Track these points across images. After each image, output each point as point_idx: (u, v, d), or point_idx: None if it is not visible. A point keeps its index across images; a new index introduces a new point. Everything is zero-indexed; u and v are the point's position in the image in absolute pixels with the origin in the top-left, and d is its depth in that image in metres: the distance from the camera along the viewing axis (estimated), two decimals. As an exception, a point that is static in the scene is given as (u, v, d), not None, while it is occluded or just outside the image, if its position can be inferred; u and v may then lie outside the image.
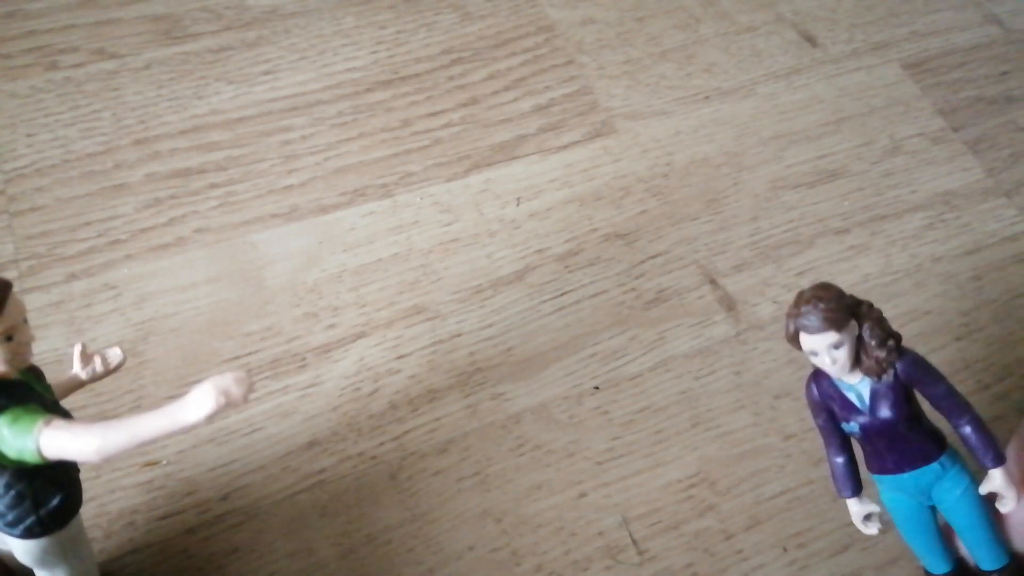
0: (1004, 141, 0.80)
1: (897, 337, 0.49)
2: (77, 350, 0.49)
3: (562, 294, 0.69)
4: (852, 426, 0.50)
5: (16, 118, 0.75)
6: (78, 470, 0.47)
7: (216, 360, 0.64)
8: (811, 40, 0.86)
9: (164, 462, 0.60)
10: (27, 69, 0.78)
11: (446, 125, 0.77)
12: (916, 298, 0.70)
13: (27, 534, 0.45)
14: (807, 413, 0.64)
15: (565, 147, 0.77)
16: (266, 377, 0.63)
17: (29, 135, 0.74)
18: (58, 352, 0.63)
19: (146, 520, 0.58)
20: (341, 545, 0.58)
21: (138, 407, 0.61)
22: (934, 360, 0.50)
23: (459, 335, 0.66)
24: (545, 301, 0.68)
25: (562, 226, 0.72)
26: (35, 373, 0.46)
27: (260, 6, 0.84)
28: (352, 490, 0.60)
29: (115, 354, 0.50)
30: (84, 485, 0.48)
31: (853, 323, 0.48)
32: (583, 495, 0.60)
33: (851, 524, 0.60)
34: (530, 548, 0.58)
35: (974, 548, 0.51)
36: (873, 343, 0.48)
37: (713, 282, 0.70)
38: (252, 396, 0.62)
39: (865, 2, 0.89)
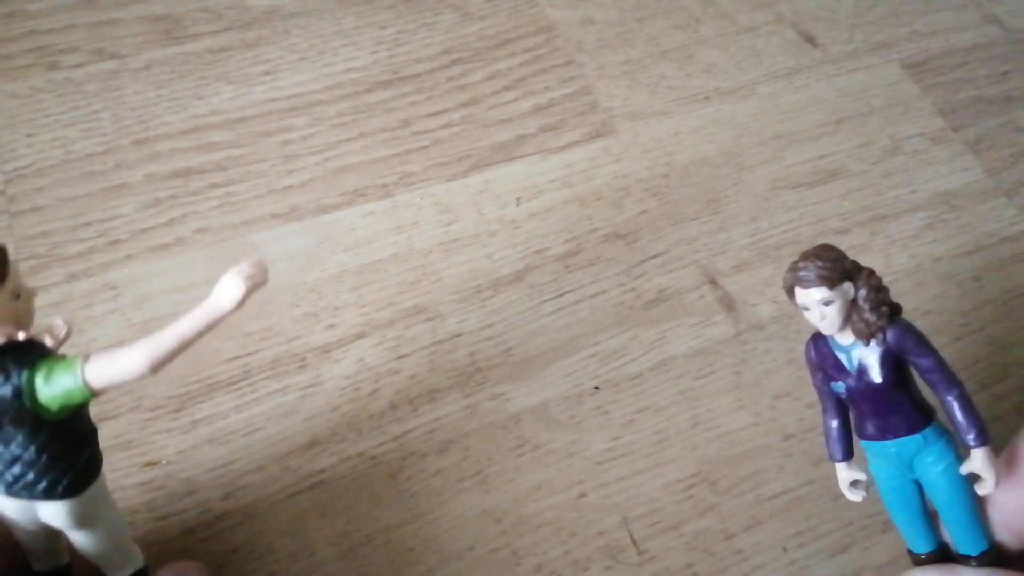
0: (1004, 141, 0.80)
1: (894, 307, 0.50)
2: (20, 336, 0.49)
3: (562, 294, 0.69)
4: (839, 386, 0.51)
5: (16, 118, 0.75)
6: (94, 427, 0.47)
7: (216, 360, 0.64)
8: (811, 40, 0.86)
9: (164, 462, 0.60)
10: (27, 69, 0.78)
11: (446, 125, 0.77)
12: (916, 298, 0.70)
13: (67, 493, 0.45)
14: (807, 413, 0.64)
15: (565, 147, 0.77)
16: (266, 377, 0.63)
17: (29, 135, 0.74)
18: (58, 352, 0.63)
19: (146, 520, 0.58)
20: (341, 545, 0.58)
21: (138, 407, 0.61)
22: (934, 360, 0.50)
23: (459, 335, 0.66)
24: (545, 301, 0.68)
25: (562, 226, 0.72)
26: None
27: (260, 6, 0.84)
28: (352, 490, 0.60)
29: (58, 325, 0.49)
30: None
31: (848, 285, 0.49)
32: (583, 495, 0.60)
33: (851, 524, 0.60)
34: (530, 548, 0.58)
35: (953, 529, 0.51)
36: (866, 307, 0.49)
37: (713, 282, 0.70)
38: (252, 396, 0.63)
39: (865, 2, 0.89)
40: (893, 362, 0.50)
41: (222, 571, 0.56)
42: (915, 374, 0.51)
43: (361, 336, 0.66)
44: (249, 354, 0.64)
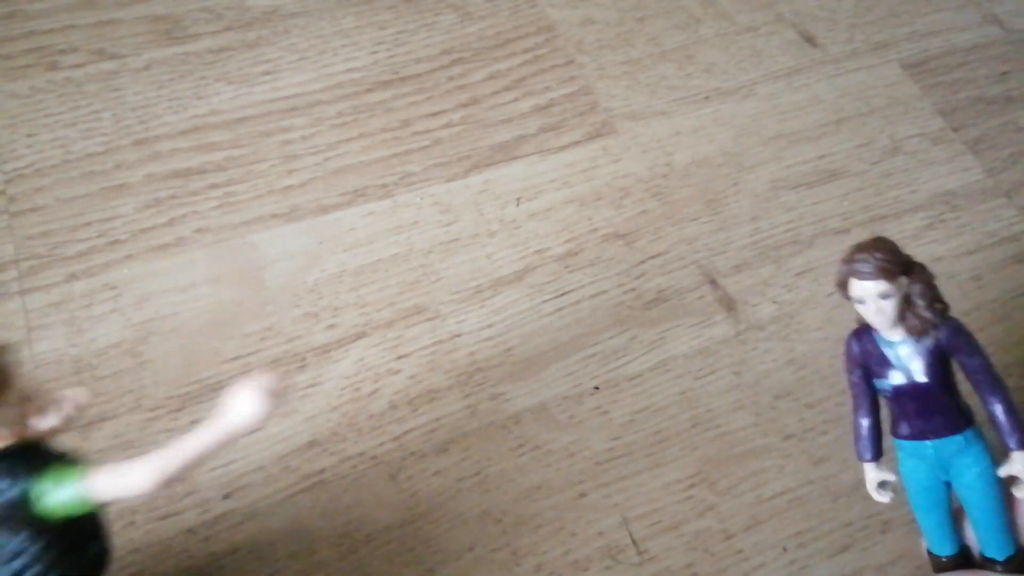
0: (1004, 141, 0.80)
1: (944, 304, 0.49)
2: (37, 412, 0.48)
3: (562, 294, 0.69)
4: (885, 384, 0.50)
5: (16, 118, 0.75)
6: (106, 524, 0.47)
7: (216, 360, 0.64)
8: (811, 40, 0.86)
9: (164, 462, 0.60)
10: (27, 69, 0.78)
11: (446, 125, 0.77)
12: (916, 298, 0.70)
13: None
14: (807, 413, 0.64)
15: (565, 147, 0.77)
16: (266, 377, 0.63)
17: (29, 135, 0.74)
18: (58, 352, 0.63)
19: (146, 520, 0.58)
20: (341, 545, 0.58)
21: (138, 407, 0.61)
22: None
23: (459, 335, 0.66)
24: (545, 301, 0.68)
25: (562, 226, 0.72)
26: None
27: (260, 6, 0.84)
28: (352, 490, 0.60)
29: (79, 395, 0.49)
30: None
31: (904, 279, 0.48)
32: (583, 495, 0.60)
33: (851, 524, 0.60)
34: (530, 548, 0.58)
35: (982, 532, 0.51)
36: (921, 303, 0.48)
37: (713, 282, 0.70)
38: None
39: (865, 2, 0.89)
40: (941, 361, 0.49)
41: (222, 571, 0.56)
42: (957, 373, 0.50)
43: (361, 336, 0.66)
44: (249, 354, 0.64)
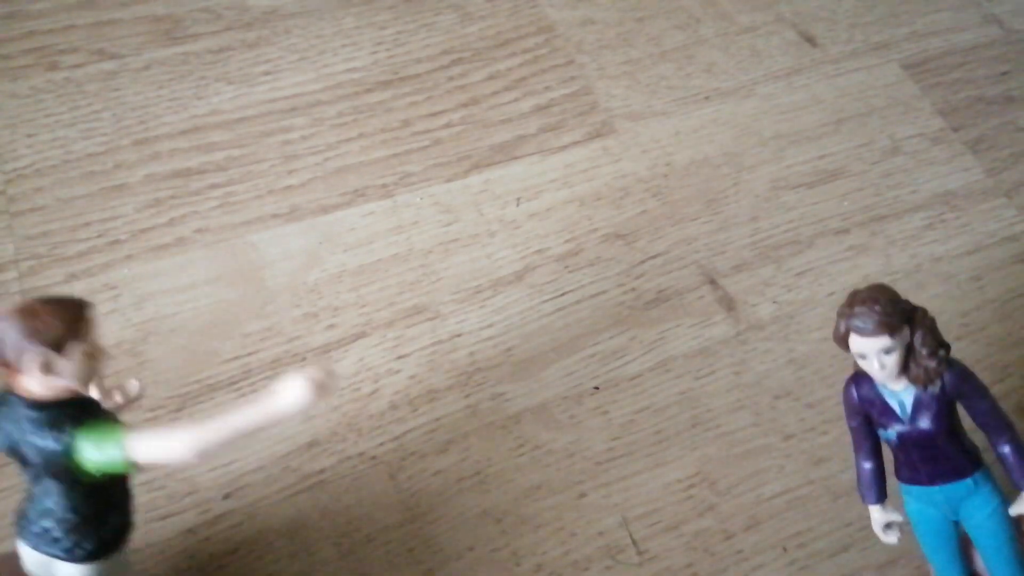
0: (1004, 141, 0.80)
1: (947, 347, 0.48)
2: (95, 394, 0.49)
3: (562, 294, 0.69)
4: (890, 434, 0.49)
5: (16, 118, 0.75)
6: (131, 496, 0.48)
7: (216, 360, 0.64)
8: (811, 40, 0.86)
9: (164, 462, 0.60)
10: (27, 69, 0.78)
11: (446, 125, 0.77)
12: (916, 298, 0.69)
13: (87, 557, 0.45)
14: (807, 413, 0.64)
15: (565, 147, 0.77)
16: (266, 377, 0.63)
17: (29, 135, 0.74)
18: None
19: (146, 520, 0.58)
20: (341, 545, 0.58)
21: (138, 407, 0.61)
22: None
23: (459, 335, 0.66)
24: (545, 301, 0.68)
25: (562, 226, 0.72)
26: None
27: (260, 6, 0.84)
28: (352, 490, 0.60)
29: (133, 386, 0.51)
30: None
31: (906, 329, 0.47)
32: (583, 495, 0.60)
33: (851, 524, 0.60)
34: (530, 548, 0.58)
35: (995, 569, 0.51)
36: (924, 351, 0.47)
37: (713, 282, 0.70)
38: (252, 396, 0.62)
39: (865, 2, 0.89)
40: (946, 407, 0.48)
41: (222, 571, 0.56)
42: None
43: (361, 336, 0.66)
44: (249, 354, 0.64)
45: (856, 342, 0.47)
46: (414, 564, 0.57)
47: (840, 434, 0.63)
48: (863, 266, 0.71)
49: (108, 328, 0.64)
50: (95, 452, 0.42)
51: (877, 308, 0.46)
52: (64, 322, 0.42)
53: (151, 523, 0.58)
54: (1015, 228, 0.74)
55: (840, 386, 0.65)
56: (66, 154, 0.73)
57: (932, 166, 0.78)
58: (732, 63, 0.84)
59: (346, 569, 0.57)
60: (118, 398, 0.50)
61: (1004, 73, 0.85)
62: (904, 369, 0.47)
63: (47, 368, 0.42)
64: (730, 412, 0.64)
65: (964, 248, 0.73)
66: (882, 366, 0.47)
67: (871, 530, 0.59)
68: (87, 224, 0.70)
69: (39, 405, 0.42)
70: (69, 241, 0.69)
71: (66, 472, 0.43)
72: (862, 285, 0.69)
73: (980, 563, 0.52)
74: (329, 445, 0.61)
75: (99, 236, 0.69)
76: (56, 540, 0.45)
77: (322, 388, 0.41)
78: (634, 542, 0.59)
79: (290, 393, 0.41)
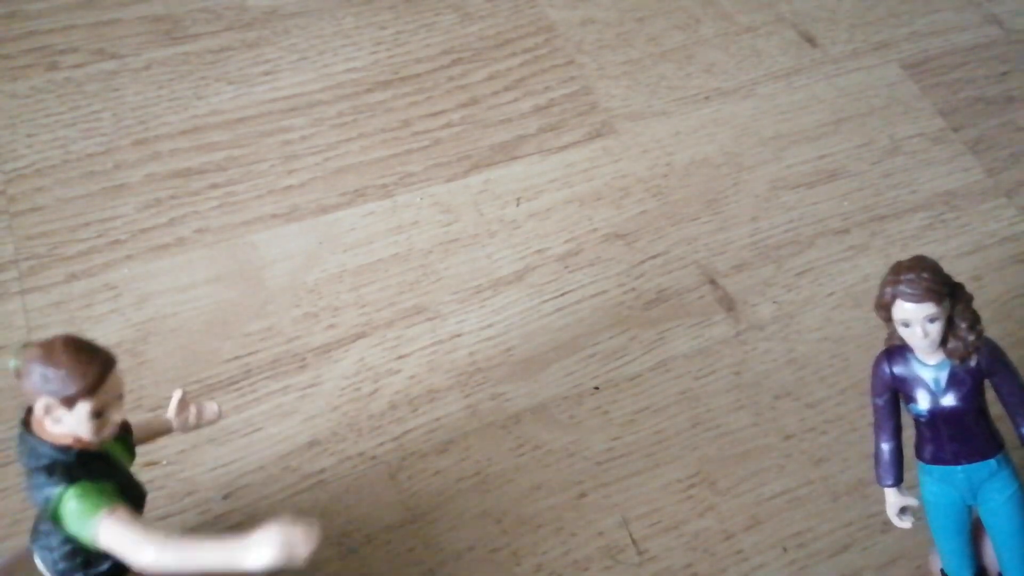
0: (1004, 141, 0.80)
1: (982, 325, 0.48)
2: (176, 397, 0.49)
3: (562, 294, 0.69)
4: (919, 409, 0.49)
5: (16, 118, 0.75)
6: None
7: (216, 360, 0.64)
8: (811, 40, 0.86)
9: (164, 462, 0.60)
10: (27, 69, 0.78)
11: (446, 125, 0.77)
12: (916, 298, 0.70)
13: None
14: (807, 413, 0.64)
15: (565, 147, 0.77)
16: (266, 377, 0.63)
17: (29, 135, 0.74)
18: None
19: (146, 520, 0.57)
20: (341, 545, 0.58)
21: (138, 407, 0.61)
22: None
23: (459, 335, 0.66)
24: (545, 301, 0.68)
25: (562, 226, 0.72)
26: (124, 428, 0.47)
27: (260, 6, 0.84)
28: (352, 490, 0.60)
29: (212, 409, 0.50)
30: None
31: (948, 301, 0.47)
32: (583, 495, 0.60)
33: (851, 524, 0.60)
34: (530, 548, 0.58)
35: (1006, 557, 0.51)
36: (964, 325, 0.47)
37: (713, 282, 0.70)
38: (252, 396, 0.62)
39: (865, 2, 0.89)
40: (978, 384, 0.48)
41: (222, 571, 0.56)
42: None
43: (361, 336, 0.66)
44: (249, 354, 0.64)
45: (902, 309, 0.47)
46: (414, 564, 0.57)
47: (840, 434, 0.63)
48: (863, 266, 0.71)
49: (108, 328, 0.65)
50: (69, 514, 0.42)
51: (925, 275, 0.46)
52: (78, 381, 0.41)
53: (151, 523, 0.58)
54: (1015, 228, 0.74)
55: (841, 386, 0.65)
56: (66, 154, 0.73)
57: (932, 166, 0.78)
58: (732, 63, 0.84)
59: (346, 569, 0.57)
60: (191, 418, 0.49)
61: (1004, 73, 0.85)
62: (943, 343, 0.48)
63: (51, 416, 0.42)
64: (730, 412, 0.64)
65: (964, 248, 0.73)
66: (926, 334, 0.47)
67: (871, 530, 0.60)
68: (87, 224, 0.70)
69: (46, 444, 0.43)
70: (69, 241, 0.69)
71: (56, 522, 0.43)
72: (862, 285, 0.70)
73: (989, 556, 0.52)
74: (329, 445, 0.61)
75: (99, 236, 0.69)
76: (55, 564, 0.45)
77: (294, 551, 0.39)
78: (634, 542, 0.59)
79: (260, 551, 0.40)
